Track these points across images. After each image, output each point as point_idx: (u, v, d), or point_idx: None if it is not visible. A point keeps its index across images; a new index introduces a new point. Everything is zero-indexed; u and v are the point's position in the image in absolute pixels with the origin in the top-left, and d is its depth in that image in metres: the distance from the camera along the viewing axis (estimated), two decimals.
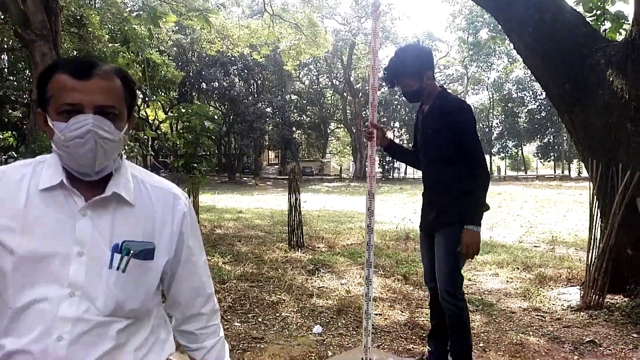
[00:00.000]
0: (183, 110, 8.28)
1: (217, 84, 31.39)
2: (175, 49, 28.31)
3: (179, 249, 1.24)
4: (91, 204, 1.11)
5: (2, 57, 21.65)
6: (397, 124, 42.22)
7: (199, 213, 8.98)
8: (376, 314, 4.23)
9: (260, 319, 4.12)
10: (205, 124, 7.37)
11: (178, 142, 8.54)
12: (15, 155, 13.89)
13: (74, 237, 1.09)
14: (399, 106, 39.87)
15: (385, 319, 4.17)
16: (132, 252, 1.13)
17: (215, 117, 8.31)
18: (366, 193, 2.92)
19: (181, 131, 8.74)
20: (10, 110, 19.50)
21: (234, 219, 10.52)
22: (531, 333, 3.82)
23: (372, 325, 3.09)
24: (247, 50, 19.44)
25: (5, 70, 21.62)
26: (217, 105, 34.54)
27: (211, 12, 7.94)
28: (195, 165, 7.63)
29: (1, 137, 12.14)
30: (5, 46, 18.19)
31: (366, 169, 2.97)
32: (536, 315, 4.29)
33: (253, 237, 8.15)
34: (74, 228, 1.09)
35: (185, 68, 29.62)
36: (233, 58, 29.40)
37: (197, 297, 1.31)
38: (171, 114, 24.06)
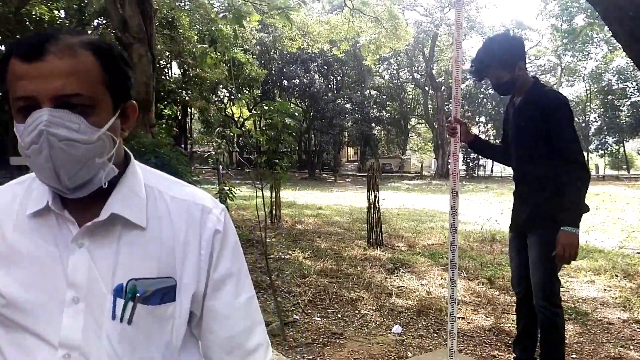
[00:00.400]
0: (265, 108, 8.52)
1: (297, 81, 31.97)
2: (258, 47, 29.24)
3: (208, 280, 0.90)
4: (87, 230, 0.82)
5: None
6: (482, 119, 40.41)
7: (280, 208, 9.22)
8: (459, 317, 4.08)
9: (339, 315, 4.15)
10: (286, 120, 7.53)
11: (261, 139, 8.82)
12: None
13: (67, 276, 0.81)
14: (484, 100, 38.17)
15: (469, 323, 4.02)
16: (138, 294, 0.82)
17: (296, 114, 8.48)
18: (449, 191, 2.82)
19: (264, 128, 9.01)
20: None
21: (313, 215, 10.68)
22: (632, 347, 3.49)
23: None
24: (326, 46, 19.62)
25: None
26: (298, 102, 35.19)
27: (292, 9, 8.09)
28: (277, 161, 7.83)
29: None
30: None
31: (449, 166, 2.87)
32: (638, 328, 3.91)
33: (332, 233, 8.22)
34: (67, 265, 0.81)
35: (268, 66, 30.48)
36: (313, 55, 29.79)
37: (230, 351, 0.92)
38: (255, 112, 24.93)
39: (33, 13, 16.78)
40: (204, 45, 15.66)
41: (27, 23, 17.11)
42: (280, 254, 6.45)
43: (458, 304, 4.41)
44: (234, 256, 0.93)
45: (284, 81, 33.13)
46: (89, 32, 17.80)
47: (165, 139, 6.47)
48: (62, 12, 20.03)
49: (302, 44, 18.74)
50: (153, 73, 7.51)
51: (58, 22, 18.92)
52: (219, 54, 14.24)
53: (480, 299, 4.63)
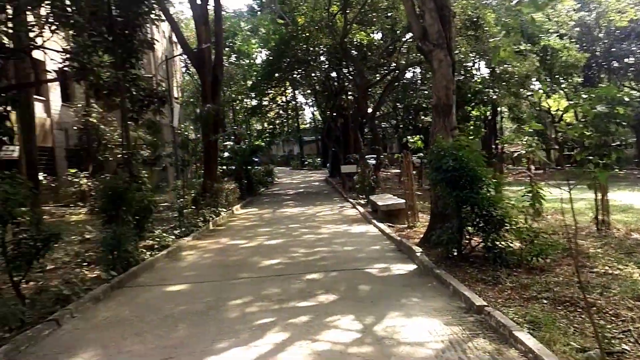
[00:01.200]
0: (585, 96, 7.33)
1: (631, 59, 26.62)
2: (577, 29, 25.77)
3: None
4: None
5: (416, 71, 25.35)
6: None
7: (609, 213, 7.73)
8: None
9: None
10: (598, 108, 6.23)
11: (581, 133, 7.60)
12: (423, 156, 15.94)
13: None
14: None
15: None
16: None
17: (627, 98, 6.93)
18: None
19: (582, 120, 7.80)
20: (422, 117, 22.55)
21: None
22: None
23: None
24: None
25: (419, 82, 25.18)
26: (632, 84, 29.27)
27: None
28: (592, 158, 6.60)
29: (412, 140, 14.21)
30: (416, 60, 21.15)
31: None
32: None
33: None
34: None
35: (590, 48, 26.50)
36: None
37: None
38: (573, 102, 22.20)
39: (354, 40, 19.42)
40: (496, 39, 14.84)
41: (352, 50, 19.94)
42: (607, 267, 5.40)
43: None
44: None
45: (613, 62, 28.18)
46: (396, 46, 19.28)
47: (465, 141, 6.29)
48: (379, 34, 22.48)
49: (634, 14, 15.47)
50: (453, 76, 7.50)
51: (375, 44, 21.35)
52: (521, 44, 13.17)
53: None
